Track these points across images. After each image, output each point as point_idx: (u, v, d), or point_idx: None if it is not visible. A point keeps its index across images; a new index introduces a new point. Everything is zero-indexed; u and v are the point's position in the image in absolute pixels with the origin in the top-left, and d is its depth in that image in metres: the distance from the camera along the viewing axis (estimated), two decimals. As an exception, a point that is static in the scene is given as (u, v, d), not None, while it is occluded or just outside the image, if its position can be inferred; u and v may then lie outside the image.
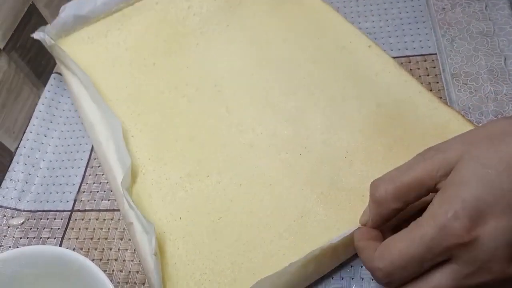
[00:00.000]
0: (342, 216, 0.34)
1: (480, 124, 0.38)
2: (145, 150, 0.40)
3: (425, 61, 0.43)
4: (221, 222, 0.35)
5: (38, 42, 0.48)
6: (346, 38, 0.44)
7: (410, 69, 0.42)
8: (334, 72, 0.42)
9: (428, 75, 0.42)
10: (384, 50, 0.42)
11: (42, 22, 0.49)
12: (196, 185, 0.38)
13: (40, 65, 0.48)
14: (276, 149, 0.38)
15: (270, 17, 0.47)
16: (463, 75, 0.41)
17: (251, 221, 0.35)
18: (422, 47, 0.44)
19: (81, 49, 0.47)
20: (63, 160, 0.44)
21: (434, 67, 0.42)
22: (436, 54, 0.43)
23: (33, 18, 0.47)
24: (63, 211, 0.40)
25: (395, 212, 0.27)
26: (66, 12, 0.47)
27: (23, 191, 0.42)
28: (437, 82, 0.41)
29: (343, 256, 0.33)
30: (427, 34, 0.45)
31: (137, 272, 0.36)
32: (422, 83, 0.40)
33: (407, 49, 0.44)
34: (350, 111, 0.39)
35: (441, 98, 0.40)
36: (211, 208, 0.36)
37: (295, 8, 0.47)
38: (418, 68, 0.43)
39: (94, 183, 0.41)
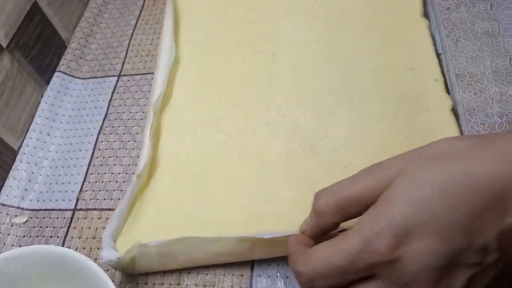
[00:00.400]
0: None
1: (486, 125, 0.38)
2: (185, 88, 0.44)
3: (430, 61, 0.43)
4: (204, 176, 0.38)
5: (41, 41, 0.48)
6: (421, 60, 0.41)
7: (414, 69, 0.42)
8: (387, 89, 0.40)
9: (432, 76, 0.42)
10: (448, 93, 0.39)
11: (45, 20, 0.49)
12: (205, 136, 0.41)
13: (43, 63, 0.48)
14: (287, 136, 0.39)
15: (362, 6, 0.46)
16: (468, 76, 0.41)
17: (227, 187, 0.37)
18: (426, 47, 0.44)
19: None
20: (66, 159, 0.44)
21: (439, 68, 0.42)
22: (440, 54, 0.43)
23: (36, 16, 0.47)
24: (66, 210, 0.40)
25: (334, 225, 0.27)
26: None
27: (26, 189, 0.42)
28: (442, 83, 0.41)
29: (280, 252, 0.33)
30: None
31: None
32: (426, 83, 0.40)
33: (411, 49, 0.44)
34: (376, 132, 0.38)
35: (445, 99, 0.40)
36: (205, 161, 0.39)
37: (392, 10, 0.45)
38: (422, 69, 0.42)
39: (96, 182, 0.41)
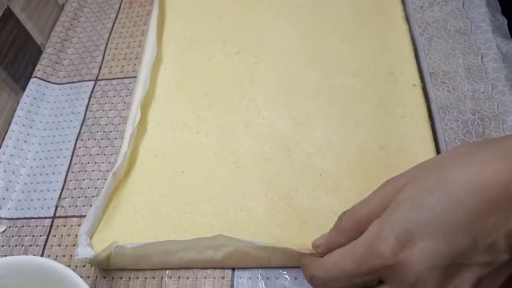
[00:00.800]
0: (274, 230, 0.34)
1: (459, 122, 0.38)
2: (167, 86, 0.45)
3: (404, 60, 0.43)
4: (180, 176, 0.39)
5: (15, 47, 0.47)
6: (401, 65, 0.41)
7: (390, 68, 0.42)
8: (366, 94, 0.40)
9: (407, 74, 0.42)
10: (427, 96, 0.40)
11: (18, 26, 0.48)
12: (184, 135, 0.41)
13: (18, 69, 0.47)
14: (265, 139, 0.39)
15: (346, 11, 0.46)
16: (441, 74, 0.41)
17: (202, 189, 0.38)
18: (401, 46, 0.44)
19: None
20: (43, 166, 0.43)
21: (413, 66, 0.43)
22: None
23: (9, 22, 0.46)
24: (45, 218, 0.40)
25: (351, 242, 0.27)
26: None
27: (3, 198, 0.41)
28: (416, 81, 0.42)
29: (254, 263, 0.34)
30: (406, 32, 0.45)
31: (121, 278, 0.36)
32: (401, 82, 0.40)
33: (386, 48, 0.45)
34: (352, 140, 0.38)
35: (419, 97, 0.40)
36: (182, 160, 0.40)
37: (375, 15, 0.46)
38: (397, 67, 0.43)
39: (75, 188, 0.41)
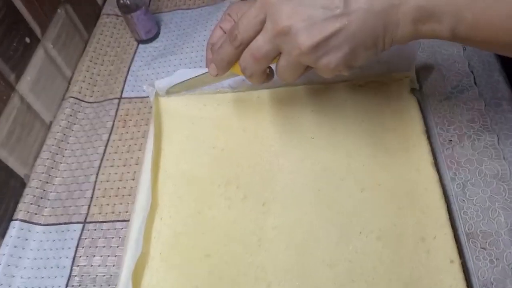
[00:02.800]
0: None
1: (504, 300, 0.32)
2: (162, 244, 0.39)
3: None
4: None
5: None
6: (433, 228, 0.36)
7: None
8: (393, 266, 0.35)
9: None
10: (466, 266, 0.35)
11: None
12: None
13: (-3, 216, 0.42)
14: None
15: (364, 148, 0.41)
16: (481, 236, 0.36)
17: None
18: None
19: (174, 111, 0.48)
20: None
21: (446, 221, 0.37)
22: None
23: None
24: None
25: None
26: (176, 76, 0.47)
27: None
28: (451, 244, 0.36)
29: None
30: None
31: None
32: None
33: (412, 192, 0.39)
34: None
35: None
36: None
37: (398, 154, 0.41)
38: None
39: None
